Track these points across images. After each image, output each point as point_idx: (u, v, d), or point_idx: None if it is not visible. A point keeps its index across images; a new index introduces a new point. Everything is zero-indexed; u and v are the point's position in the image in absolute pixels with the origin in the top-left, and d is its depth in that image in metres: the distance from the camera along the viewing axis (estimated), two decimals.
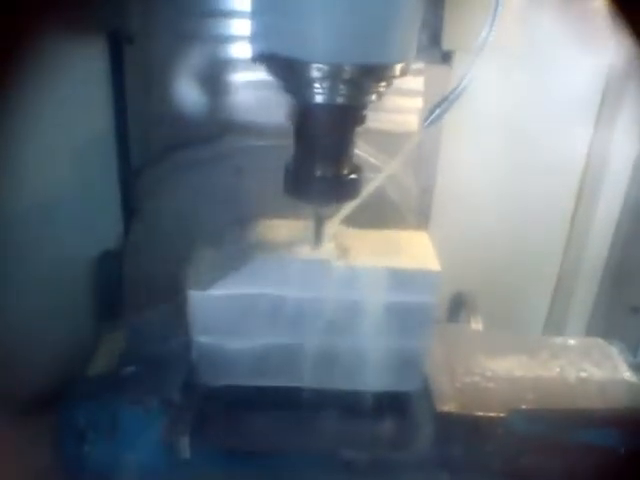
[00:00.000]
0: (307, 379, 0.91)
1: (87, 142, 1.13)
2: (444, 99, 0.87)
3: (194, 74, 1.22)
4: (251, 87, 1.21)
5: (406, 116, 1.26)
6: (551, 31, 1.26)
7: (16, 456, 0.77)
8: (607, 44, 1.14)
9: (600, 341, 1.06)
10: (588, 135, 1.43)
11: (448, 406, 0.87)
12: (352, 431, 0.90)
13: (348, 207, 0.91)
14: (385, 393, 0.92)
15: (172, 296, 0.88)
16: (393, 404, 0.92)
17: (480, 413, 0.87)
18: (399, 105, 1.24)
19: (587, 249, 1.50)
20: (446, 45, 1.20)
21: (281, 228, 0.96)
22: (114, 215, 1.23)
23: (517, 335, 1.08)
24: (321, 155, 0.84)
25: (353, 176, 0.86)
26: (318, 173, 0.84)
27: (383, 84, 0.80)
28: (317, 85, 0.76)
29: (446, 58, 1.23)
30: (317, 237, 0.91)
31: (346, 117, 0.81)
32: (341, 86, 0.76)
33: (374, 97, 0.82)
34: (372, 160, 1.12)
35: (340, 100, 0.78)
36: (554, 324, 1.56)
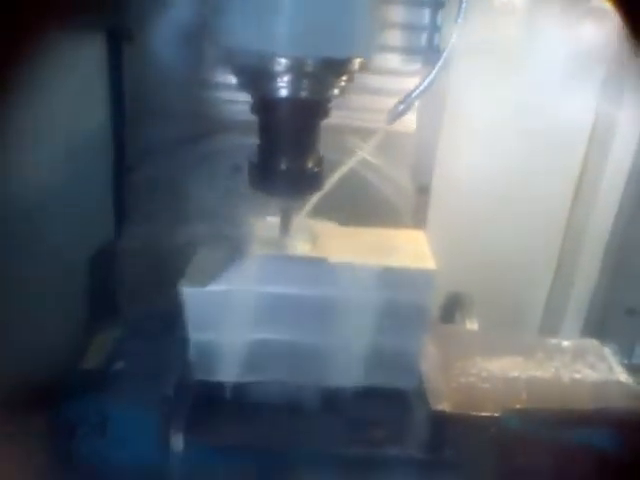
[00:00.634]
0: (302, 376, 0.92)
1: (83, 141, 1.12)
2: (407, 96, 0.89)
3: (192, 72, 1.22)
4: None
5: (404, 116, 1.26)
6: (550, 31, 1.26)
7: (11, 454, 0.77)
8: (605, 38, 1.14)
9: (595, 342, 1.07)
10: (586, 137, 1.43)
11: (443, 405, 0.88)
12: (345, 429, 0.90)
13: (314, 199, 0.92)
14: (380, 391, 0.93)
15: (166, 295, 0.88)
16: (388, 403, 0.92)
17: (474, 413, 0.87)
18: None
19: (583, 250, 1.50)
20: (444, 46, 1.20)
21: (276, 225, 0.96)
22: (108, 214, 1.23)
23: (512, 335, 1.09)
24: (285, 149, 0.85)
25: (316, 169, 0.87)
26: (282, 167, 0.85)
27: (344, 78, 0.81)
28: (279, 79, 0.77)
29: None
30: (284, 229, 0.92)
31: (308, 111, 0.82)
32: (303, 80, 0.78)
33: (336, 91, 0.83)
34: (370, 159, 1.12)
35: (302, 94, 0.79)
36: (549, 325, 1.56)
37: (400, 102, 0.91)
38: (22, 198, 0.91)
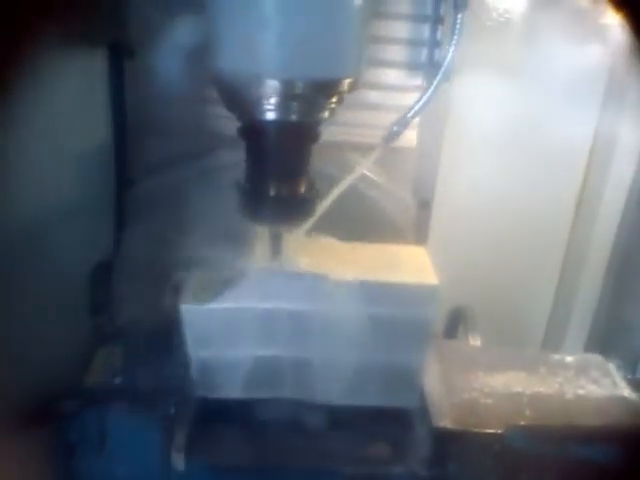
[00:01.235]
0: (303, 393, 0.91)
1: (84, 154, 1.13)
2: (402, 117, 0.88)
3: (192, 88, 1.22)
4: None
5: (405, 131, 1.26)
6: (550, 45, 1.26)
7: (12, 469, 0.77)
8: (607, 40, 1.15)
9: (598, 358, 1.06)
10: (587, 152, 1.43)
11: (445, 422, 0.87)
12: (349, 447, 0.90)
13: (306, 224, 0.90)
14: (383, 408, 0.92)
15: (165, 308, 0.88)
16: (391, 419, 0.92)
17: (477, 429, 0.87)
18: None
19: (585, 265, 1.49)
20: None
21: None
22: (109, 226, 1.23)
23: (515, 351, 1.08)
24: (274, 174, 0.82)
25: (307, 195, 0.84)
26: (271, 193, 0.82)
27: (334, 100, 0.79)
28: (267, 101, 0.76)
29: (445, 75, 1.24)
30: (274, 254, 0.89)
31: (297, 134, 0.80)
32: (292, 102, 0.76)
33: (326, 114, 0.81)
34: (372, 175, 1.12)
35: (291, 116, 0.77)
36: (552, 340, 1.55)
37: (396, 123, 0.89)
38: (23, 211, 0.91)
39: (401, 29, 1.22)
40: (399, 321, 0.89)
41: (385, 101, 1.19)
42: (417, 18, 1.22)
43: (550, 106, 1.33)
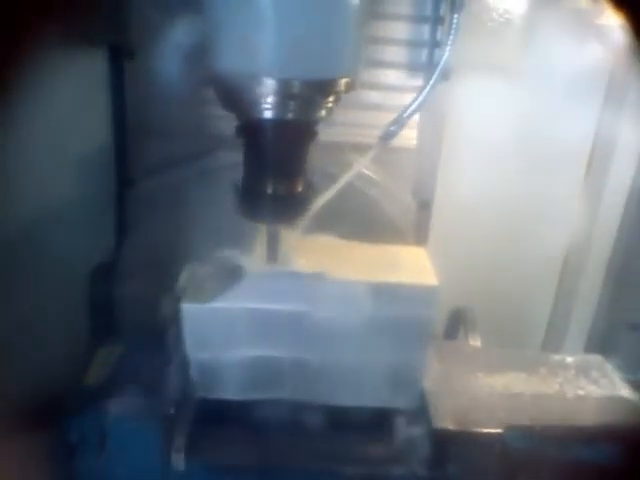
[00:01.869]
0: (303, 394, 0.91)
1: (85, 154, 1.13)
2: (399, 117, 0.89)
3: (192, 89, 1.22)
4: None
5: (404, 131, 1.26)
6: (550, 46, 1.27)
7: (13, 470, 0.77)
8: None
9: (598, 358, 1.06)
10: (587, 152, 1.43)
11: (445, 423, 0.87)
12: (349, 447, 0.90)
13: (304, 222, 0.90)
14: (382, 409, 0.92)
15: (165, 309, 0.88)
16: (389, 420, 0.92)
17: (477, 430, 0.87)
18: None
19: (586, 266, 1.49)
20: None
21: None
22: (109, 227, 1.23)
23: (515, 352, 1.08)
24: (271, 173, 0.83)
25: (304, 194, 0.85)
26: (268, 191, 0.83)
27: (331, 99, 0.80)
28: (265, 100, 0.76)
29: (444, 75, 1.24)
30: (271, 253, 0.90)
31: (294, 132, 0.81)
32: (289, 101, 0.76)
33: (323, 113, 0.81)
34: (371, 175, 1.12)
35: (289, 115, 0.78)
36: (552, 341, 1.55)
37: (393, 122, 0.90)
38: (23, 212, 0.91)
39: (401, 30, 1.22)
40: (399, 322, 0.89)
41: (386, 101, 1.19)
42: (417, 19, 1.23)
43: (550, 106, 1.33)
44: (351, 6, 0.73)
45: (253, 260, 0.91)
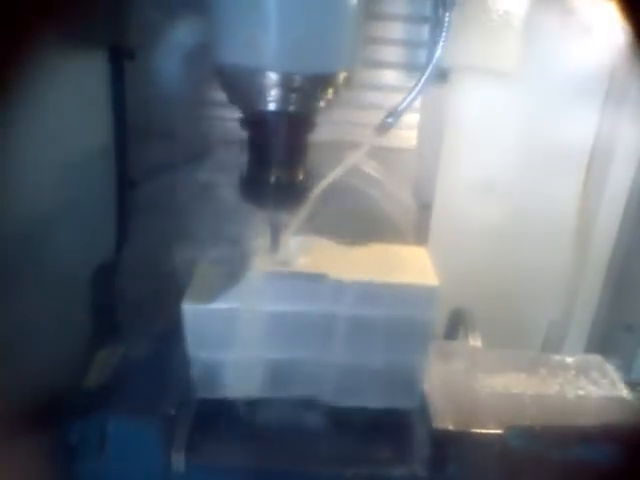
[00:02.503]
0: (303, 394, 0.91)
1: (86, 156, 1.13)
2: (394, 109, 0.90)
3: (193, 90, 1.22)
4: None
5: (404, 132, 1.26)
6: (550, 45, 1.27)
7: (13, 471, 0.77)
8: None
9: (598, 358, 1.06)
10: (588, 151, 1.43)
11: (445, 423, 0.87)
12: (349, 448, 0.90)
13: (303, 213, 0.93)
14: (382, 410, 0.92)
15: (166, 310, 0.88)
16: (390, 421, 0.92)
17: (478, 430, 0.87)
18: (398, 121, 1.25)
19: (586, 266, 1.49)
20: (444, 62, 1.21)
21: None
22: (110, 229, 1.23)
23: (516, 352, 1.08)
24: (273, 161, 0.85)
25: (305, 182, 0.88)
26: (271, 180, 0.86)
27: (330, 92, 0.83)
28: (268, 93, 0.79)
29: (443, 76, 1.25)
30: (274, 241, 0.92)
31: (296, 124, 0.84)
32: (291, 94, 0.79)
33: (322, 104, 0.84)
34: (371, 175, 1.12)
35: (290, 107, 0.81)
36: (553, 341, 1.55)
37: (389, 114, 0.91)
38: (24, 213, 0.91)
39: (400, 30, 1.22)
40: (399, 322, 0.89)
41: (385, 101, 1.19)
42: (415, 19, 1.22)
43: (550, 107, 1.33)
44: (350, 3, 0.76)
45: (254, 260, 0.91)
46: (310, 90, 0.80)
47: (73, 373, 0.93)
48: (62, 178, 1.02)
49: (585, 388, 0.98)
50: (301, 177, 0.87)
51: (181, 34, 1.20)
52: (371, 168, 1.08)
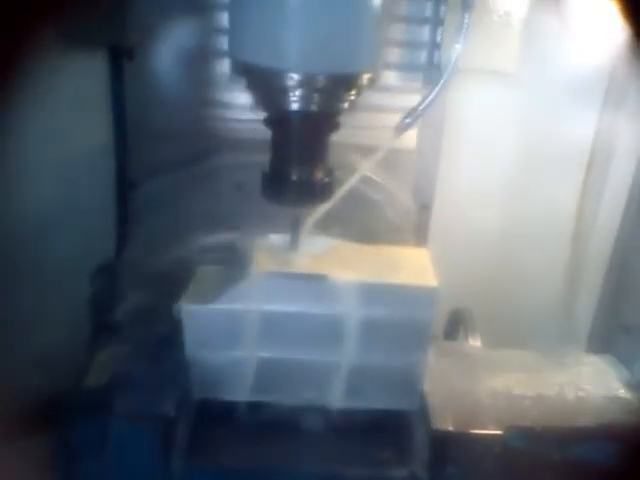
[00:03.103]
0: (303, 395, 0.91)
1: (86, 156, 1.13)
2: (414, 109, 0.91)
3: (192, 90, 1.22)
4: (249, 103, 1.23)
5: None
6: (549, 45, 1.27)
7: (13, 473, 0.77)
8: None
9: (597, 359, 1.06)
10: (587, 152, 1.43)
11: (445, 424, 0.87)
12: (348, 449, 0.90)
13: (323, 209, 0.93)
14: (381, 411, 0.92)
15: (166, 310, 0.88)
16: (390, 421, 0.92)
17: (478, 431, 0.87)
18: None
19: (586, 266, 1.49)
20: (444, 63, 1.21)
21: (277, 244, 0.96)
22: (110, 230, 1.23)
23: (515, 352, 1.08)
24: (296, 160, 0.87)
25: (326, 180, 0.89)
26: (293, 177, 0.87)
27: (353, 93, 0.84)
28: (291, 93, 0.80)
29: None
30: (293, 239, 0.93)
31: (319, 124, 0.85)
32: (314, 94, 0.81)
33: (346, 105, 0.85)
34: (371, 176, 1.12)
35: (313, 107, 0.82)
36: (553, 341, 1.55)
37: (406, 116, 0.92)
38: (24, 214, 0.91)
39: (401, 31, 1.22)
40: (399, 323, 0.89)
41: (385, 103, 1.19)
42: (416, 20, 1.23)
43: (550, 107, 1.33)
44: (374, 5, 0.77)
45: (254, 261, 0.91)
46: (333, 90, 0.82)
47: (73, 374, 0.92)
48: (61, 179, 1.02)
49: (585, 389, 0.98)
50: (323, 176, 0.88)
51: (179, 34, 1.21)
52: (370, 170, 1.08)
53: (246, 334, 0.89)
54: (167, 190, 1.22)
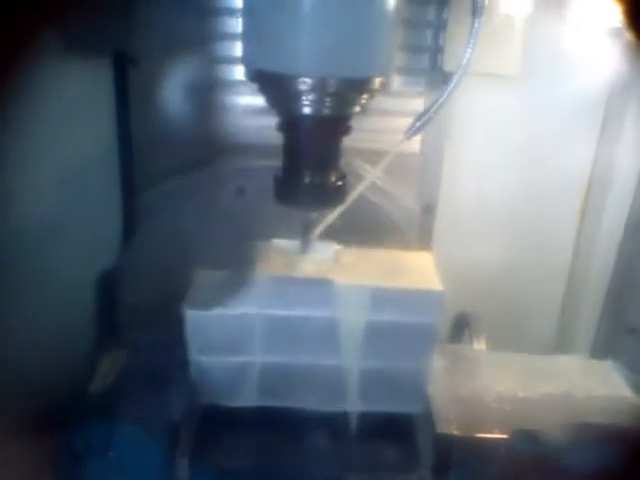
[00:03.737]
0: (308, 399, 0.91)
1: (91, 162, 1.13)
2: (424, 113, 0.91)
3: (196, 96, 1.23)
4: (252, 109, 1.23)
5: None
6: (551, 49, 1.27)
7: (20, 476, 0.77)
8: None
9: (604, 362, 1.06)
10: (591, 152, 1.43)
11: (450, 428, 0.87)
12: (352, 453, 0.90)
13: (334, 214, 0.94)
14: (386, 415, 0.92)
15: (171, 315, 0.88)
16: (394, 426, 0.92)
17: (483, 435, 0.86)
18: (400, 126, 1.25)
19: (591, 268, 1.49)
20: (446, 67, 1.21)
21: (280, 248, 0.96)
22: (115, 235, 1.24)
23: (521, 356, 1.08)
24: (308, 163, 0.88)
25: (339, 183, 0.89)
26: (306, 180, 0.88)
27: (365, 97, 0.85)
28: (304, 98, 0.81)
29: (446, 80, 1.25)
30: (305, 242, 0.94)
31: (331, 127, 0.86)
32: (326, 98, 0.81)
33: (358, 109, 0.86)
34: (377, 180, 1.12)
35: (325, 111, 0.82)
36: (558, 344, 1.55)
37: (416, 120, 0.92)
38: (28, 220, 0.92)
39: (403, 35, 1.22)
40: (404, 326, 0.89)
41: (386, 106, 1.19)
42: (419, 24, 1.23)
43: (553, 112, 1.33)
44: (386, 9, 0.78)
45: (258, 266, 0.91)
46: (346, 94, 0.82)
47: (78, 379, 0.93)
48: (67, 184, 1.02)
49: (591, 391, 0.97)
50: (334, 179, 0.89)
51: (184, 40, 1.21)
52: (374, 174, 1.08)
53: (251, 339, 0.89)
54: (171, 196, 1.23)
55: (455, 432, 0.86)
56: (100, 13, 1.02)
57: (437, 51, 1.23)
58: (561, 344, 1.55)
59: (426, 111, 0.93)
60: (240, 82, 1.23)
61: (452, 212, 1.35)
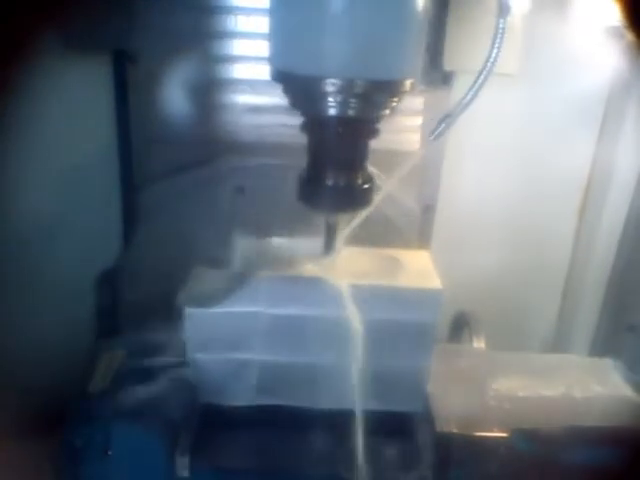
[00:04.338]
0: (307, 398, 0.91)
1: (90, 160, 1.13)
2: (448, 115, 0.90)
3: (196, 94, 1.23)
4: (251, 107, 1.23)
5: (408, 135, 1.27)
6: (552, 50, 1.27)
7: (19, 475, 0.77)
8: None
9: (604, 361, 1.06)
10: (591, 152, 1.43)
11: (449, 427, 0.87)
12: (351, 451, 0.90)
13: (359, 217, 0.93)
14: (385, 413, 0.92)
15: (170, 314, 0.88)
16: (393, 424, 0.91)
17: (482, 434, 0.86)
18: (401, 124, 1.25)
19: (590, 267, 1.49)
20: (447, 66, 1.21)
21: (280, 247, 0.96)
22: (115, 233, 1.24)
23: (520, 355, 1.08)
24: (334, 165, 0.86)
25: (365, 186, 0.88)
26: (330, 182, 0.86)
27: (395, 99, 0.83)
28: (330, 99, 0.80)
29: (446, 79, 1.25)
30: (328, 245, 0.93)
31: (357, 129, 0.85)
32: (352, 100, 0.80)
33: (387, 111, 0.84)
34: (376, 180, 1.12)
35: (351, 113, 0.81)
36: (557, 343, 1.55)
37: (441, 121, 0.92)
38: (28, 218, 0.92)
39: None
40: (403, 325, 0.89)
41: None
42: None
43: (553, 111, 1.33)
44: (415, 10, 0.77)
45: (256, 264, 0.91)
46: (373, 96, 0.81)
47: (77, 377, 0.93)
48: (66, 183, 1.02)
49: (591, 390, 0.97)
50: (359, 181, 0.88)
51: (183, 38, 1.21)
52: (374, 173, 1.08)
53: (250, 337, 0.89)
54: (171, 194, 1.23)
55: (454, 431, 0.86)
56: (99, 12, 1.02)
57: (438, 50, 1.22)
58: (560, 342, 1.55)
59: (451, 112, 0.92)
60: (239, 80, 1.23)
61: (452, 212, 1.35)
